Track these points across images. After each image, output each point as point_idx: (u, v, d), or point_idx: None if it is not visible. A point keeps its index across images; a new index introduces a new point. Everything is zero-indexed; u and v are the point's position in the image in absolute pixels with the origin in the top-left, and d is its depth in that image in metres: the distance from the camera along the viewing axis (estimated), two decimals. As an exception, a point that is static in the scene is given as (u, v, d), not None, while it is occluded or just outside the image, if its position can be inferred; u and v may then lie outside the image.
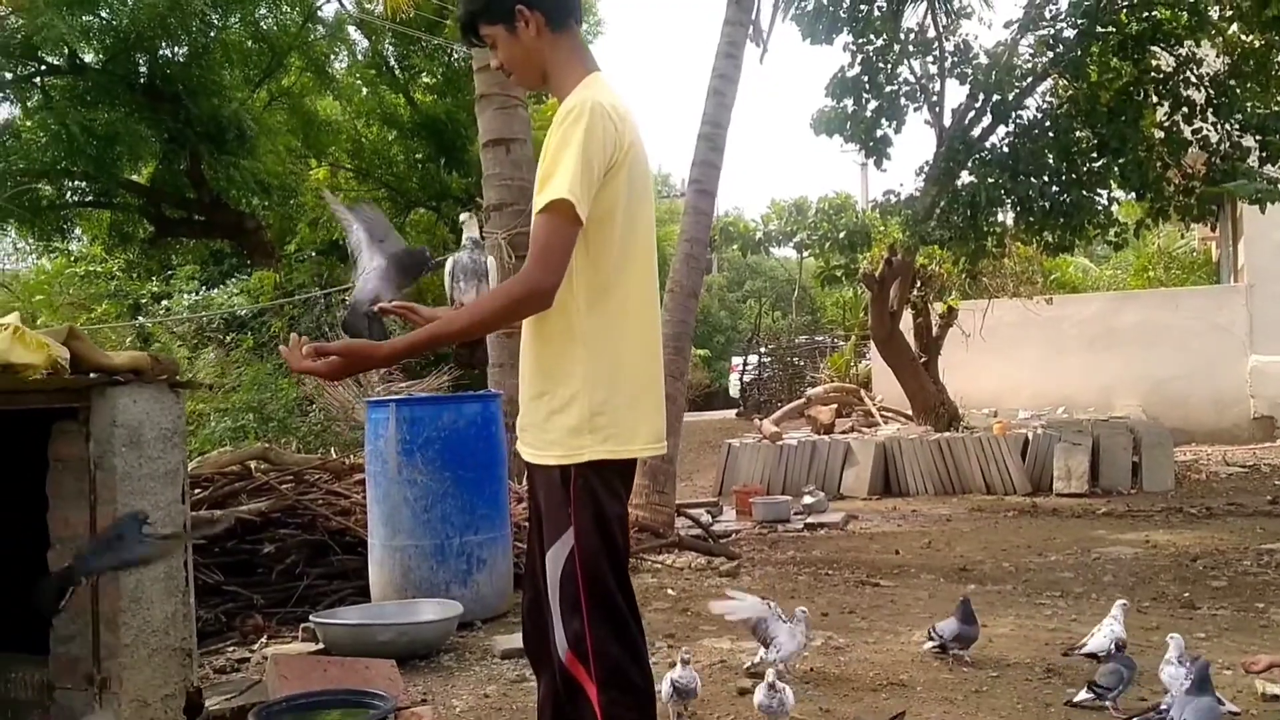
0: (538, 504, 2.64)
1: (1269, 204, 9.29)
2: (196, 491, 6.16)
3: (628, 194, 2.53)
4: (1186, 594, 6.11)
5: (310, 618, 5.44)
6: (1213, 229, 18.99)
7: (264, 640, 5.65)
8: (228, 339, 16.35)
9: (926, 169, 11.66)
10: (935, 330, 14.63)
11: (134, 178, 18.71)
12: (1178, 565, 7.03)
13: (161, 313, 16.34)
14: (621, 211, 2.52)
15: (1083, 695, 4.09)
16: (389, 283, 2.84)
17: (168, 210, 19.37)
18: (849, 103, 11.78)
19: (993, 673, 4.65)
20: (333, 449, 10.31)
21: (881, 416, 14.67)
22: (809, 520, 9.56)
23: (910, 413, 14.22)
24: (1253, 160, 10.67)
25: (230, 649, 5.54)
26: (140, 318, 16.29)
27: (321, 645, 5.22)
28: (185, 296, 16.70)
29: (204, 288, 19.16)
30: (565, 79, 2.64)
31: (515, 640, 5.35)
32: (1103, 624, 4.54)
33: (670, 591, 6.65)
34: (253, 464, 7.22)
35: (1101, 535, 8.39)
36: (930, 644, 4.89)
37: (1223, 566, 6.92)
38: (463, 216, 3.10)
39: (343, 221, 3.07)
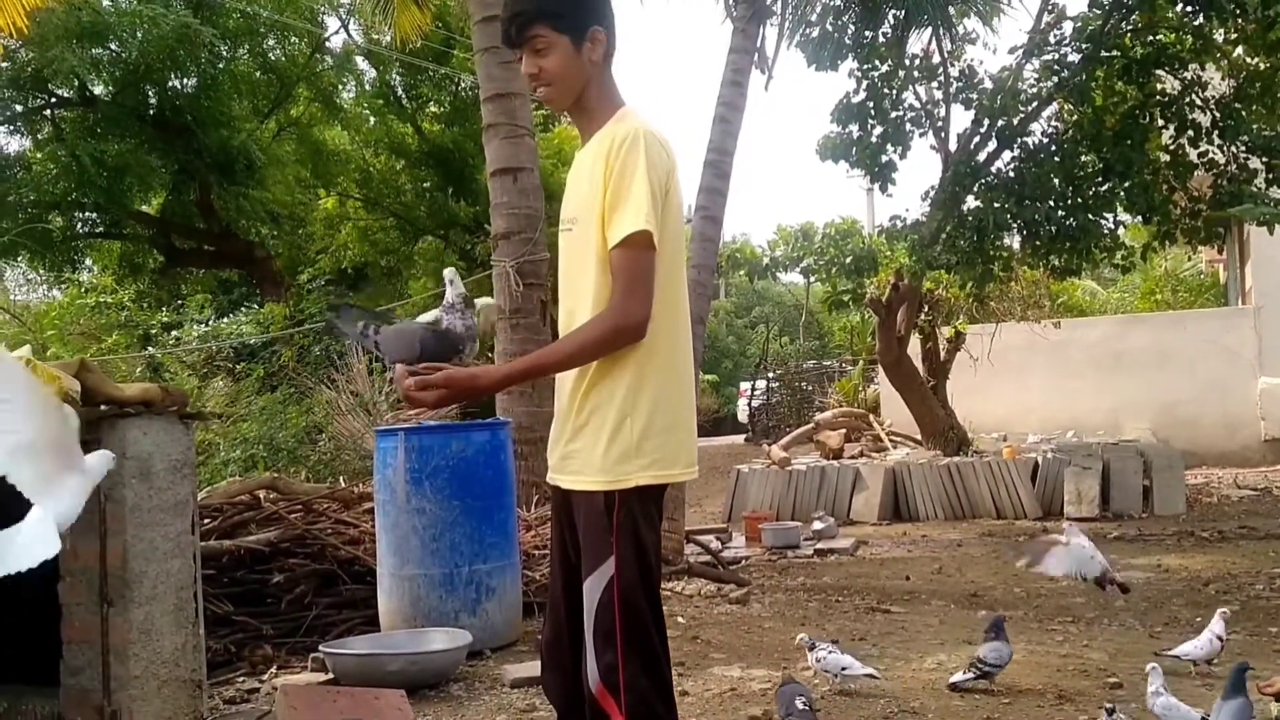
0: (569, 533, 2.64)
1: (1277, 225, 9.29)
2: (205, 521, 6.16)
3: (673, 222, 2.55)
4: (1199, 619, 6.07)
5: (319, 648, 5.43)
6: (1220, 251, 19.00)
7: (273, 670, 5.64)
8: (238, 368, 16.42)
9: (932, 194, 11.69)
10: (943, 354, 14.63)
11: (144, 208, 18.83)
12: (1190, 589, 7.00)
13: (171, 343, 16.41)
14: (669, 239, 2.54)
15: (962, 676, 4.67)
16: (425, 352, 2.82)
17: (177, 240, 19.47)
18: (854, 128, 11.83)
19: (1005, 699, 4.63)
20: (341, 478, 10.32)
21: (890, 441, 14.65)
22: (819, 546, 9.53)
23: (919, 437, 14.20)
24: (1259, 182, 10.68)
25: (240, 679, 5.53)
26: (150, 348, 16.36)
27: (331, 675, 5.21)
28: (195, 327, 16.77)
29: (214, 317, 19.25)
30: (602, 108, 2.66)
31: (525, 669, 5.35)
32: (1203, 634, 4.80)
33: (680, 619, 6.63)
34: (262, 494, 7.21)
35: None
36: (968, 675, 4.78)
37: (1235, 590, 6.88)
38: (447, 273, 3.06)
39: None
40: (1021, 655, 5.38)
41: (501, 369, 2.68)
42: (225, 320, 19.00)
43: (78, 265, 19.92)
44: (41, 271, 19.83)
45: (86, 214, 18.14)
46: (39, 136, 17.47)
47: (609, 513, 2.50)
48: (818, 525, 10.12)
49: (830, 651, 4.57)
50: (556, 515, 2.74)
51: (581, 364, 2.54)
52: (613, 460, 2.50)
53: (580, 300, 2.59)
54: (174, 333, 16.76)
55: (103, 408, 3.64)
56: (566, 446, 2.60)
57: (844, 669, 4.47)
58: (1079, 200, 10.99)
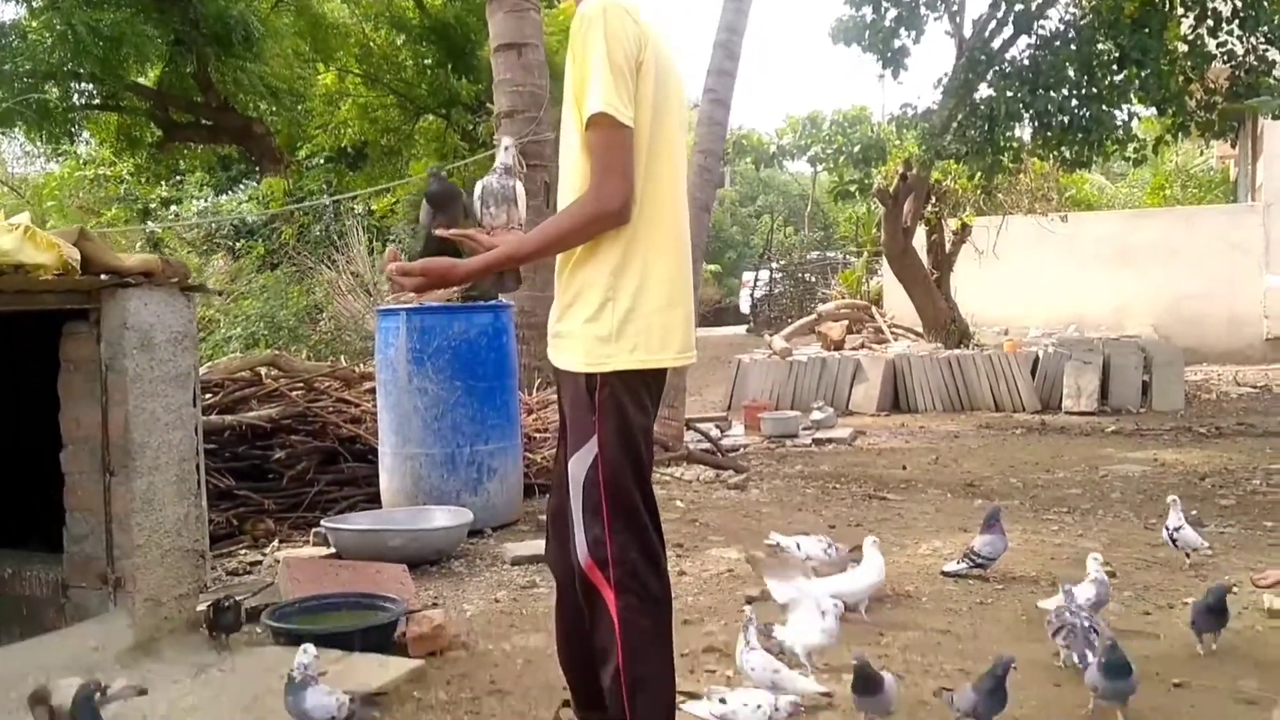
0: (564, 411, 2.65)
1: (1293, 121, 9.14)
2: (207, 396, 6.17)
3: (653, 96, 2.47)
4: (1194, 512, 6.09)
5: (321, 522, 5.48)
6: (1232, 146, 18.75)
7: (275, 544, 5.70)
8: (237, 246, 16.33)
9: (945, 81, 11.47)
10: (948, 247, 14.52)
11: (141, 80, 18.48)
12: (1186, 484, 7.05)
13: (171, 218, 16.27)
14: (648, 114, 2.47)
15: (955, 565, 4.75)
16: (435, 215, 2.94)
17: (175, 114, 19.15)
18: (868, 11, 11.56)
19: (998, 585, 4.68)
20: (343, 357, 10.32)
21: (892, 333, 14.64)
22: (817, 435, 9.58)
23: (921, 330, 14.18)
24: (1278, 74, 10.47)
25: (242, 552, 5.60)
26: (149, 222, 16.23)
27: (333, 550, 5.27)
28: (195, 202, 16.61)
29: (213, 194, 19.05)
30: None
31: (526, 547, 5.41)
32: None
33: (679, 503, 6.69)
34: (263, 370, 7.21)
35: (1110, 453, 8.40)
36: (961, 565, 4.80)
37: (1231, 485, 6.93)
38: (504, 141, 3.07)
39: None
40: (1017, 543, 5.43)
41: (480, 258, 2.62)
42: (225, 197, 18.83)
43: (75, 137, 19.62)
44: (39, 143, 19.55)
45: (83, 85, 17.78)
46: (34, 4, 17.06)
47: (591, 394, 2.50)
48: (817, 415, 10.15)
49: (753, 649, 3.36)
50: (558, 392, 2.74)
51: (563, 250, 2.52)
52: (594, 342, 2.49)
53: (565, 183, 2.58)
54: (173, 208, 16.59)
55: (103, 277, 3.59)
56: (555, 326, 2.59)
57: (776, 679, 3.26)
58: (1093, 90, 10.79)
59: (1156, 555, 5.10)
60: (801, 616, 3.61)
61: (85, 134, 19.97)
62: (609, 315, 2.48)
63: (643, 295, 2.49)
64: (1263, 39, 10.56)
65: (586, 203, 2.43)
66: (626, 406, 2.50)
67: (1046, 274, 16.27)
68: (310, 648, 3.08)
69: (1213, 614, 3.65)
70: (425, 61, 18.73)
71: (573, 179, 2.53)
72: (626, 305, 2.48)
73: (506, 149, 3.02)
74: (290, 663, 3.10)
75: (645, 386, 2.55)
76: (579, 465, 2.53)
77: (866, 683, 3.01)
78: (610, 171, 2.40)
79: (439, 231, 2.88)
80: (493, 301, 6.25)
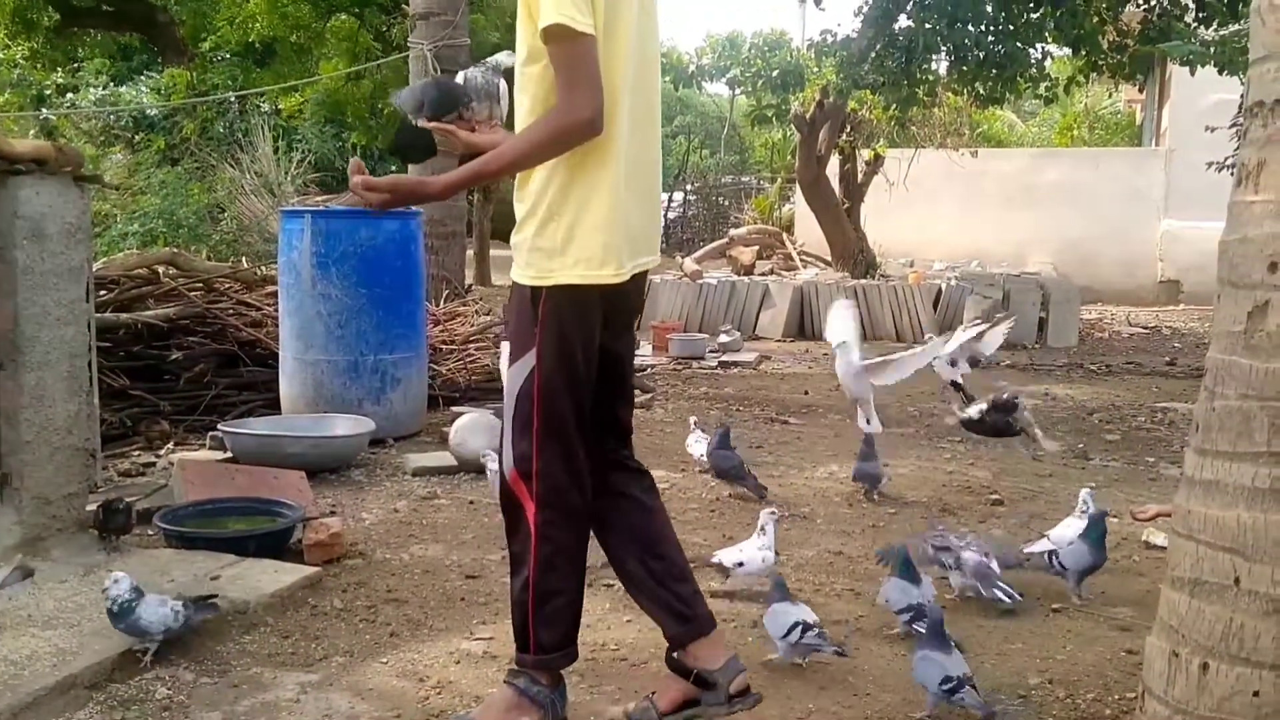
0: (507, 323, 2.66)
1: (1199, 67, 9.31)
2: (101, 293, 5.98)
3: (603, 4, 2.40)
4: (1081, 445, 6.33)
5: (219, 426, 5.40)
6: (1140, 91, 19.08)
7: (170, 447, 5.61)
8: (137, 139, 15.76)
9: (865, 10, 11.44)
10: (860, 177, 14.62)
11: (38, -40, 17.61)
12: (1075, 418, 7.27)
13: (67, 106, 15.63)
14: (601, 25, 2.40)
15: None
16: (426, 102, 2.78)
17: (74, -2, 18.32)
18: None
19: (890, 509, 4.81)
20: (245, 259, 10.08)
21: (801, 261, 14.75)
22: (723, 358, 9.66)
23: (830, 258, 14.31)
24: (1189, 19, 10.64)
25: (135, 453, 5.50)
26: (44, 110, 15.58)
27: (230, 454, 5.20)
28: (93, 91, 15.95)
29: (113, 84, 18.32)
30: None
31: (427, 458, 5.40)
32: None
33: (582, 419, 6.71)
34: (161, 269, 7.03)
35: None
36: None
37: (1118, 421, 7.17)
38: (502, 56, 2.97)
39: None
40: (910, 470, 5.58)
41: (448, 175, 2.56)
42: (125, 88, 18.11)
43: (-35, 18, 18.69)
44: (-76, 22, 18.57)
45: (-26, -38, 16.93)
46: None
47: (534, 306, 2.49)
48: (724, 338, 10.23)
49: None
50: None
51: (535, 165, 2.45)
52: (540, 255, 2.47)
53: (518, 91, 2.54)
54: (69, 96, 15.93)
55: (-9, 163, 3.45)
56: (513, 239, 2.57)
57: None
58: (1010, 27, 10.85)
59: (1042, 485, 5.27)
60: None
61: (-24, 14, 19.00)
62: (554, 229, 2.45)
63: (587, 211, 2.45)
64: (1177, -16, 10.70)
65: (556, 116, 2.37)
66: (567, 321, 2.48)
67: (953, 208, 16.49)
68: (121, 577, 2.97)
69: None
70: (339, -44, 18.09)
71: (528, 89, 2.49)
72: (570, 220, 2.45)
73: (502, 59, 2.94)
74: (185, 566, 3.08)
75: (590, 302, 2.51)
76: (515, 376, 2.54)
77: None
78: (575, 83, 2.34)
79: (423, 123, 2.76)
80: (401, 210, 6.14)
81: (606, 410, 2.68)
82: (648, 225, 2.63)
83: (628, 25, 2.48)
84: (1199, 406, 2.28)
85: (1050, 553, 3.68)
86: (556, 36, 2.32)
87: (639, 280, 2.64)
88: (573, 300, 2.48)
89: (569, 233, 2.45)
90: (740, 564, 3.59)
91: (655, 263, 2.71)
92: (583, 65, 2.34)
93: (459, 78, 2.86)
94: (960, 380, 6.16)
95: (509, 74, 2.86)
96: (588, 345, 2.54)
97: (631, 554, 2.70)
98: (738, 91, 19.59)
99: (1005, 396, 5.32)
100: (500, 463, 2.62)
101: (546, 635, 2.60)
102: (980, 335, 6.07)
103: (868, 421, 5.76)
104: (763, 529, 3.62)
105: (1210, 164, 9.80)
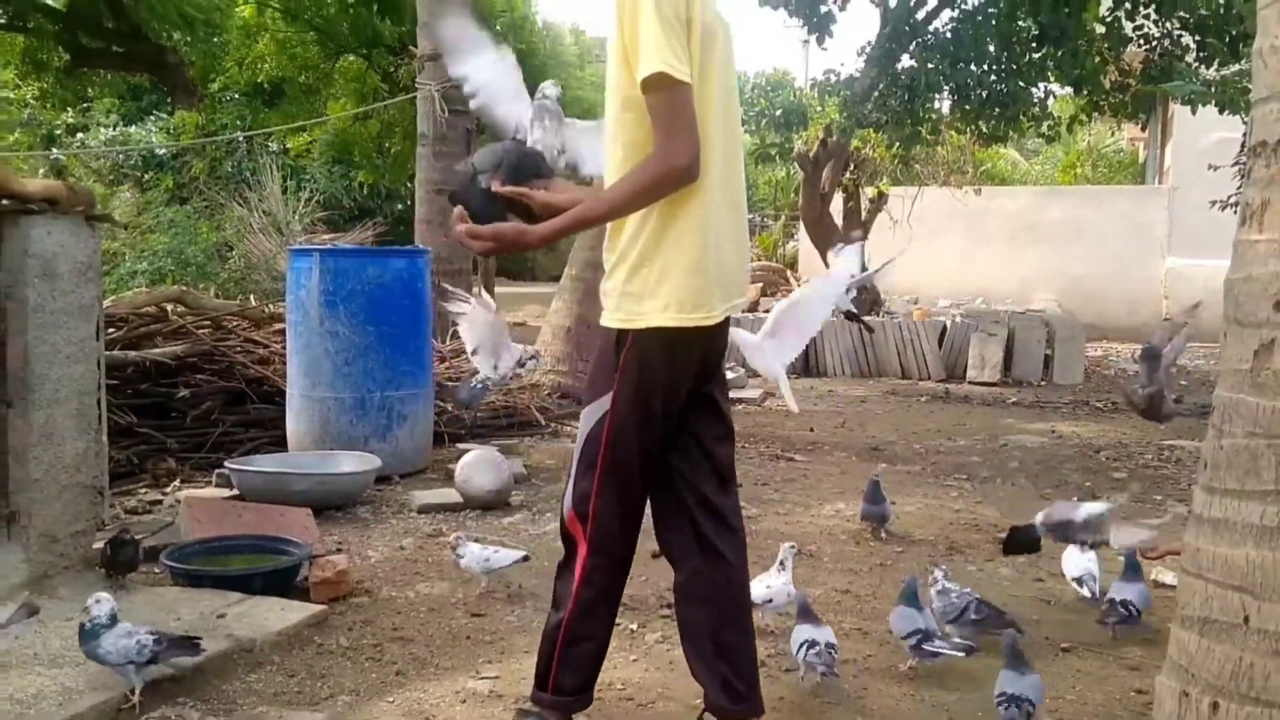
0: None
1: (1201, 106, 9.37)
2: (110, 331, 6.02)
3: (698, 52, 2.42)
4: (1088, 483, 6.32)
5: (225, 464, 5.41)
6: (1143, 129, 19.14)
7: (177, 484, 5.61)
8: (146, 178, 15.85)
9: (868, 50, 11.53)
10: (864, 214, 14.66)
11: (50, 1, 17.80)
12: (1082, 455, 7.26)
13: (77, 146, 15.75)
14: (695, 70, 2.41)
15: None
16: (506, 165, 2.73)
17: (85, 39, 18.49)
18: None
19: (898, 548, 4.79)
20: (252, 297, 10.13)
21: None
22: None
23: (834, 295, 14.31)
24: (1190, 59, 10.71)
25: (142, 491, 5.51)
26: (54, 149, 15.69)
27: (236, 492, 5.20)
28: (103, 131, 16.08)
29: (122, 124, 18.47)
30: None
31: (433, 495, 5.40)
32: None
33: (588, 456, 6.71)
34: (169, 307, 7.06)
35: (1010, 423, 8.61)
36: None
37: (1125, 459, 7.15)
38: (545, 87, 2.95)
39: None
40: (917, 508, 5.57)
41: (550, 224, 2.53)
42: (134, 128, 18.26)
43: (-24, 58, 18.89)
44: (-63, 63, 18.78)
45: (-13, 4, 17.12)
46: (-64, -84, 16.33)
47: (618, 350, 2.49)
48: (729, 375, 10.23)
49: (466, 545, 4.05)
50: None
51: (633, 211, 2.45)
52: (630, 300, 2.47)
53: (608, 141, 2.56)
54: (80, 136, 16.05)
55: (4, 202, 3.48)
56: (602, 285, 2.57)
57: (487, 560, 3.98)
58: (1012, 66, 10.94)
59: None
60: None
61: (-12, 55, 19.21)
62: (646, 273, 2.46)
63: (679, 254, 2.45)
64: (1178, 24, 10.78)
65: (655, 163, 2.37)
66: (651, 365, 2.48)
67: (957, 246, 16.54)
68: (104, 598, 2.96)
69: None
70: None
71: (620, 137, 2.50)
72: (662, 264, 2.45)
73: (546, 96, 2.93)
74: (191, 604, 3.07)
75: (678, 346, 2.50)
76: (588, 418, 2.57)
77: None
78: (675, 131, 2.35)
79: (497, 189, 2.70)
80: (409, 248, 6.18)
81: (702, 448, 2.65)
82: (738, 267, 2.62)
83: (715, 71, 2.49)
84: (1207, 444, 2.28)
85: (1123, 602, 3.59)
86: (656, 85, 2.33)
87: (727, 322, 2.61)
88: (661, 344, 2.48)
89: (661, 276, 2.45)
90: (769, 600, 3.58)
91: (745, 304, 2.73)
92: (681, 113, 2.36)
93: (531, 139, 2.83)
94: (854, 310, 6.36)
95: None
96: (670, 392, 2.54)
97: (707, 618, 2.64)
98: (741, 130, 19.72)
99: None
100: (562, 503, 2.67)
101: (568, 679, 2.63)
102: (867, 271, 6.12)
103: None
104: (782, 563, 3.65)
105: (1214, 202, 9.84)
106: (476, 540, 4.21)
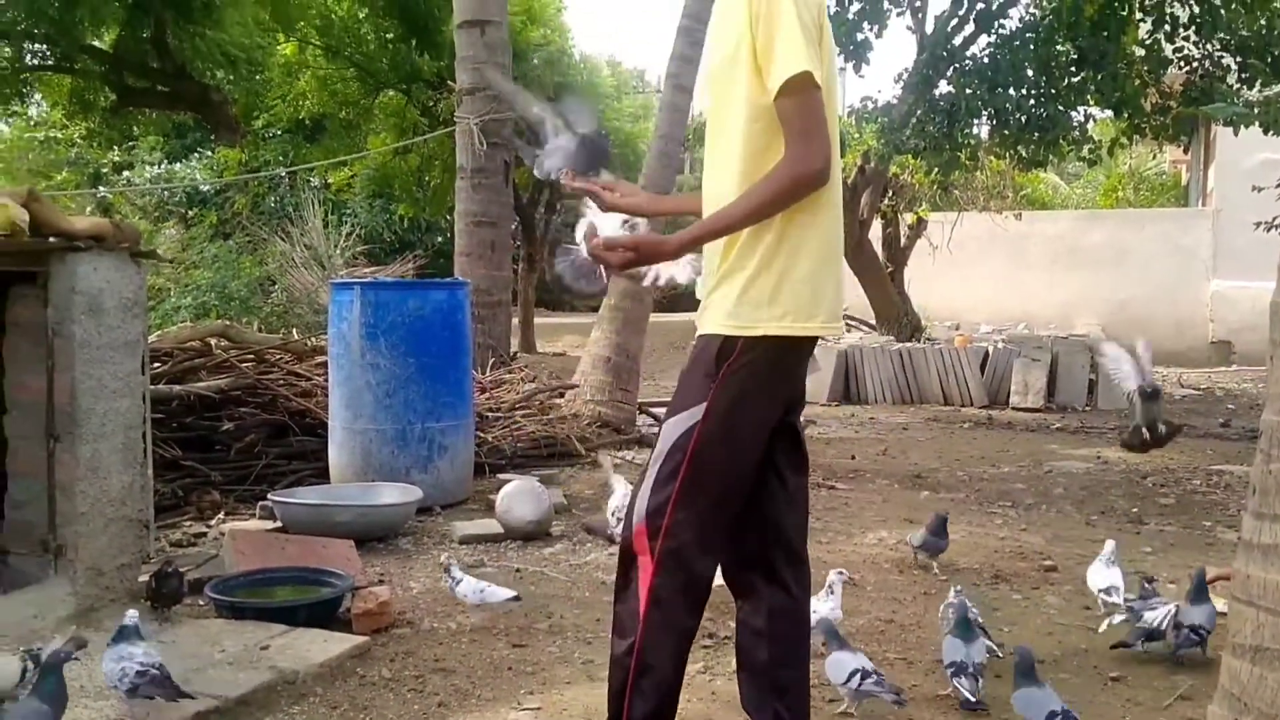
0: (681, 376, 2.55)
1: (1244, 127, 9.28)
2: (155, 365, 6.09)
3: (827, 63, 2.38)
4: (1135, 509, 6.23)
5: (269, 496, 5.44)
6: (1185, 151, 19.01)
7: (221, 517, 5.65)
8: (190, 214, 16.09)
9: (905, 77, 11.53)
10: (903, 241, 14.63)
11: (96, 43, 18.16)
12: (1128, 481, 7.16)
13: (123, 184, 16.02)
14: (823, 78, 2.35)
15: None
16: (576, 159, 2.74)
17: (130, 79, 18.83)
18: (832, 3, 11.58)
19: (941, 577, 4.74)
20: (294, 330, 10.23)
21: (845, 324, 14.74)
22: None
23: (874, 321, 14.28)
24: (1231, 81, 10.63)
25: (187, 524, 5.54)
26: (100, 187, 15.97)
27: (279, 524, 5.23)
28: (148, 168, 16.35)
29: (167, 161, 18.77)
30: None
31: (474, 526, 5.41)
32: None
33: (631, 484, 6.70)
34: (213, 341, 7.14)
35: (1054, 449, 8.52)
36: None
37: (1172, 485, 7.05)
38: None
39: (525, 106, 2.93)
40: (961, 535, 5.50)
41: (686, 232, 2.45)
42: (178, 164, 18.56)
43: (26, 99, 19.28)
44: (-12, 103, 19.19)
45: (36, 45, 17.49)
46: (-13, -38, 16.70)
47: (720, 359, 2.40)
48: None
49: (461, 580, 4.01)
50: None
51: (764, 219, 2.36)
52: (745, 306, 2.39)
53: (724, 151, 2.47)
54: (125, 173, 16.33)
55: (52, 240, 3.54)
56: (708, 295, 2.49)
57: (482, 593, 3.97)
58: (1051, 90, 10.90)
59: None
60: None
61: (37, 95, 19.62)
62: (764, 281, 2.38)
63: (797, 260, 2.39)
64: (1218, 45, 10.70)
65: (789, 167, 2.31)
66: (757, 376, 2.40)
67: (998, 271, 16.43)
68: (131, 614, 3.03)
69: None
70: (387, 36, 18.53)
71: (736, 144, 2.42)
72: (780, 270, 2.38)
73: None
74: (235, 636, 3.08)
75: (788, 359, 2.45)
76: (673, 429, 2.44)
77: None
78: (810, 134, 2.30)
79: (567, 181, 2.70)
80: (449, 279, 6.22)
81: (779, 476, 2.58)
82: (841, 276, 2.56)
83: (832, 81, 2.46)
84: (1255, 470, 2.25)
85: (1192, 627, 3.49)
86: (797, 88, 2.28)
87: (815, 341, 2.56)
88: (774, 353, 2.41)
89: (779, 283, 2.38)
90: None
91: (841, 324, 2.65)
92: (815, 115, 2.31)
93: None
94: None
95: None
96: (771, 406, 2.47)
97: (769, 654, 2.58)
98: (779, 158, 19.73)
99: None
100: (631, 513, 2.50)
101: (641, 708, 2.46)
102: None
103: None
104: (830, 589, 3.64)
105: (1258, 224, 9.72)
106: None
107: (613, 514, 5.06)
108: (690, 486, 2.40)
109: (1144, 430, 4.36)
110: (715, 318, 2.44)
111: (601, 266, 2.64)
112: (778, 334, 2.38)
